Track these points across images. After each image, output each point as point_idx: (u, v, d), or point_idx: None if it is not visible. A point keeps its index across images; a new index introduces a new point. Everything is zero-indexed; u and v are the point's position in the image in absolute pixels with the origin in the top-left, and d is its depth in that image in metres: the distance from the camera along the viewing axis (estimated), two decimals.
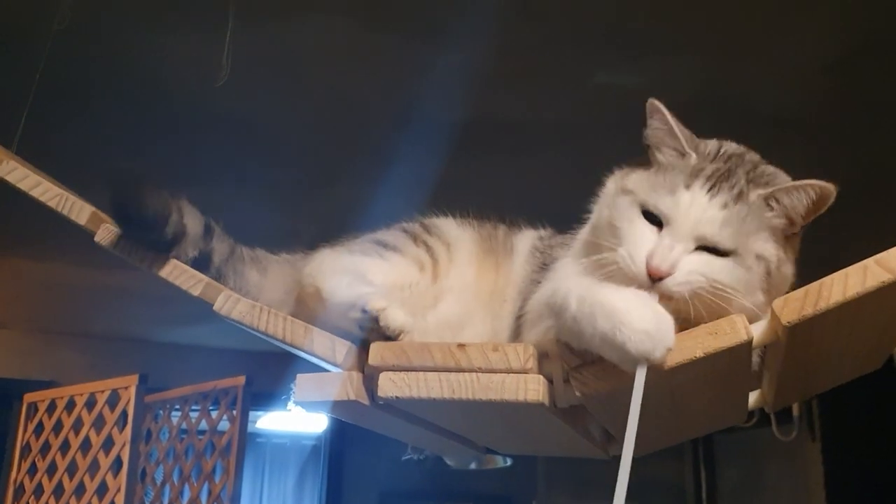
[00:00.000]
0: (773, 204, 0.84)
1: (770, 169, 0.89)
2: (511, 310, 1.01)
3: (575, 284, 0.82)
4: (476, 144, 2.65)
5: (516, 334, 0.97)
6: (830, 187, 0.82)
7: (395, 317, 0.83)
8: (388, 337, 0.83)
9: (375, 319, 0.83)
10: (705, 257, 0.81)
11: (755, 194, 0.83)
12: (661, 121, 0.87)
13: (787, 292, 0.81)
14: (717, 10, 2.02)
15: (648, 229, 0.83)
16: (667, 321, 0.75)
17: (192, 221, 0.96)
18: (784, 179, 0.88)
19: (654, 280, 0.79)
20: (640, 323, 0.73)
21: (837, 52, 2.14)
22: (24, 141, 1.51)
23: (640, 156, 0.92)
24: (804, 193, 0.83)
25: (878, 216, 2.44)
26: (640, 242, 0.81)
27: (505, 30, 2.08)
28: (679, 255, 0.80)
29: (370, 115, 2.59)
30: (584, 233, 0.95)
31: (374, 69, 2.33)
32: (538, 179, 2.94)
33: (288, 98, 2.48)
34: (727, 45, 2.16)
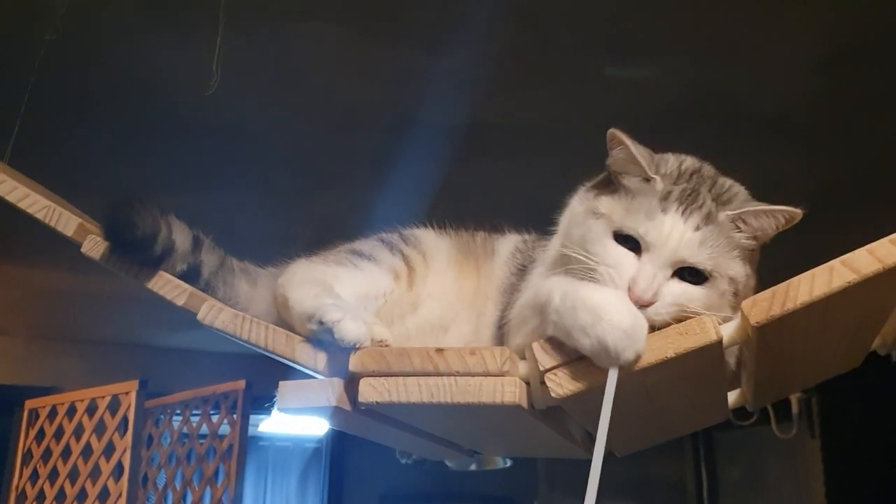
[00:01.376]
0: (741, 224, 0.86)
1: (727, 183, 0.91)
2: (492, 313, 1.03)
3: (557, 282, 0.84)
4: (473, 149, 2.66)
5: (499, 342, 0.99)
6: (798, 213, 0.85)
7: (348, 329, 0.83)
8: (344, 348, 0.84)
9: (330, 332, 0.83)
10: (683, 287, 0.83)
11: (723, 214, 0.85)
12: (623, 150, 0.88)
13: None
14: (710, 11, 2.04)
15: (626, 254, 0.84)
16: (642, 324, 0.77)
17: (181, 237, 0.98)
18: (742, 194, 0.90)
19: (637, 307, 0.80)
20: (619, 320, 0.75)
21: (829, 51, 2.15)
22: (18, 150, 1.53)
23: (598, 175, 0.93)
24: (773, 218, 0.85)
25: (869, 214, 2.45)
26: (621, 267, 0.83)
27: (502, 34, 2.10)
28: (661, 283, 0.82)
29: (367, 120, 2.61)
30: (554, 246, 0.96)
31: (371, 74, 2.34)
32: (536, 183, 2.94)
33: (285, 104, 2.49)
34: (720, 46, 2.18)
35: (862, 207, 2.63)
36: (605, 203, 0.88)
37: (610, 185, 0.90)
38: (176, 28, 2.08)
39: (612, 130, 0.88)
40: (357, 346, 0.83)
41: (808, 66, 2.22)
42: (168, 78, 2.30)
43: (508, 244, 1.11)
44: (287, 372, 0.90)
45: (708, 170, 0.91)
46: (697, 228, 0.83)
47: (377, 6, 2.04)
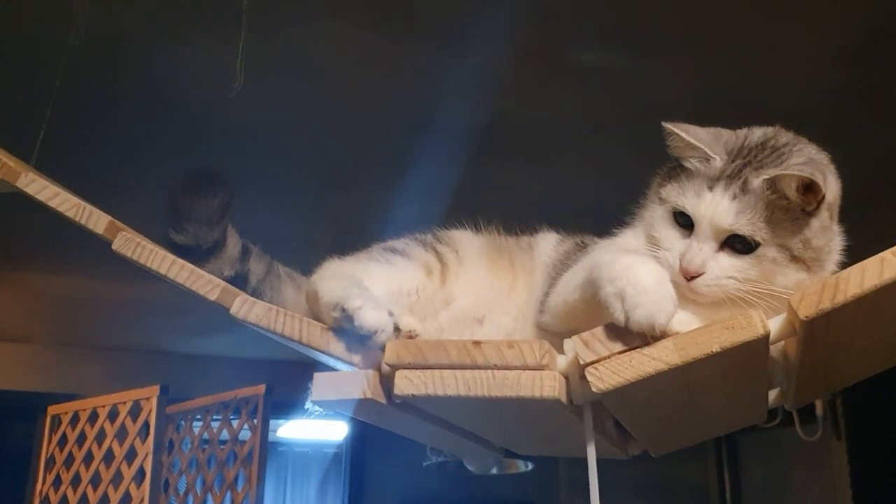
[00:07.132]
0: (773, 187, 0.86)
1: (785, 150, 0.91)
2: (539, 290, 1.03)
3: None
4: (492, 148, 2.65)
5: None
6: (806, 178, 0.84)
7: (368, 316, 0.82)
8: (365, 336, 0.83)
9: (350, 318, 0.83)
10: (732, 259, 0.86)
11: (757, 181, 0.87)
12: (676, 139, 0.92)
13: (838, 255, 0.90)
14: (729, 6, 2.02)
15: (679, 233, 0.90)
16: (667, 295, 0.78)
17: (232, 241, 0.99)
18: (795, 157, 0.90)
19: (687, 279, 0.86)
20: (644, 278, 0.78)
21: (849, 43, 2.12)
22: (42, 155, 1.53)
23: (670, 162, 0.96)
24: (788, 181, 0.86)
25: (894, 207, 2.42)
26: (674, 248, 0.90)
27: (519, 33, 2.09)
28: (707, 255, 0.87)
29: (386, 121, 2.60)
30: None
31: (390, 75, 2.33)
32: (555, 182, 2.93)
33: (304, 105, 2.49)
34: (739, 39, 2.16)
35: (885, 200, 2.58)
36: (667, 189, 0.93)
37: (676, 169, 0.94)
38: (198, 31, 2.09)
39: (663, 123, 0.92)
40: (376, 333, 0.83)
41: (830, 59, 2.19)
42: (190, 81, 2.30)
43: (549, 238, 1.13)
44: (308, 375, 0.88)
45: (778, 139, 0.92)
46: (734, 198, 0.86)
47: (395, 7, 2.04)
